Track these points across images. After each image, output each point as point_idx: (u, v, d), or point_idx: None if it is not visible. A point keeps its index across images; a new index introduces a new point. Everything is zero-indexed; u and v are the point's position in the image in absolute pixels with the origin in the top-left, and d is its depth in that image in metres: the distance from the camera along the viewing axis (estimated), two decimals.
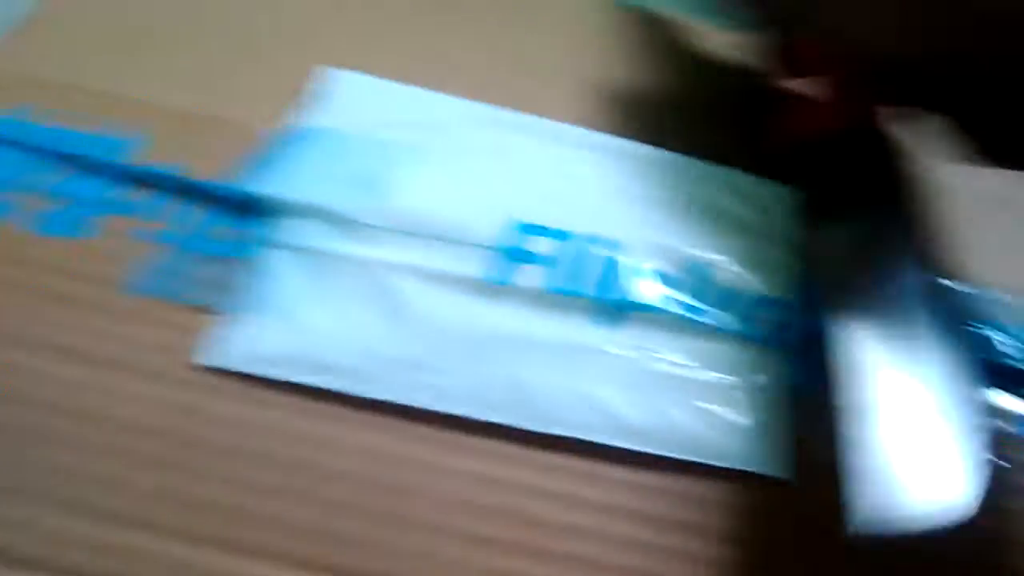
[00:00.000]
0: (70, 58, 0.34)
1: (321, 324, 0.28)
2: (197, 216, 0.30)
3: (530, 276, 0.29)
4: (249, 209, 0.30)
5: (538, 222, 0.30)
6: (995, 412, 0.29)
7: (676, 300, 0.29)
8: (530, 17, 0.39)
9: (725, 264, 0.30)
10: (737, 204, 0.32)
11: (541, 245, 0.30)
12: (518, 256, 0.30)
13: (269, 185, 0.30)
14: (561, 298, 0.29)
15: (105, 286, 0.28)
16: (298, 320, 0.28)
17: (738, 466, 0.27)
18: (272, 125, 0.32)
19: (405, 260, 0.29)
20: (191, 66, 0.35)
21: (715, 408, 0.28)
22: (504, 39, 0.38)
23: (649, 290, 0.29)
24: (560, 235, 0.30)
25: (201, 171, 0.31)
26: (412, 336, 0.28)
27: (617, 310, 0.29)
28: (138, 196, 0.31)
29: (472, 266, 0.29)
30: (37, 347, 0.27)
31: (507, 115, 0.33)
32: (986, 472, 0.23)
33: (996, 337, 0.30)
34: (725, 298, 0.30)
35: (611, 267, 0.30)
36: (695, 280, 0.30)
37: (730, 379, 0.28)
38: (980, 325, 0.31)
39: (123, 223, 0.30)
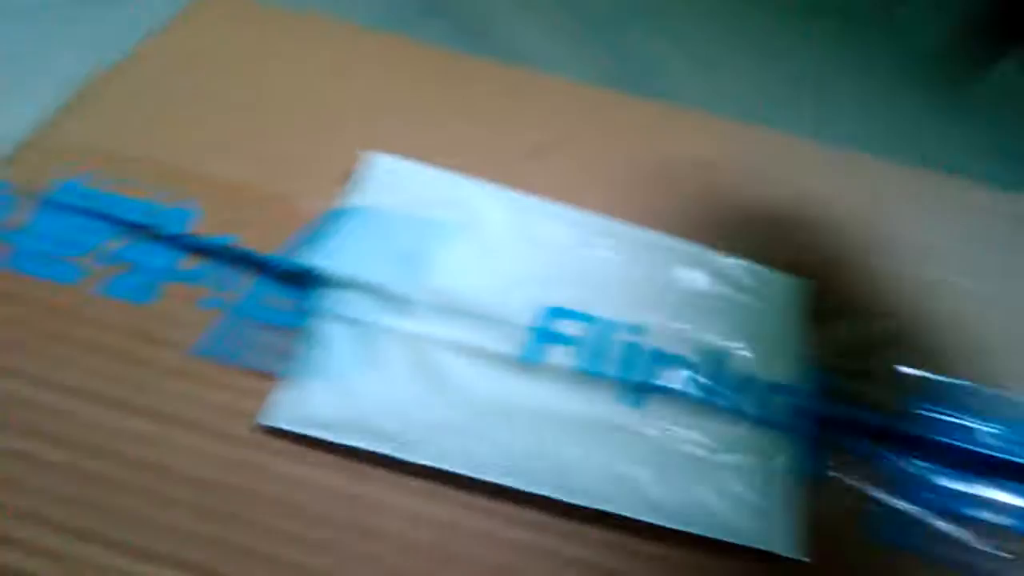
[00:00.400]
0: (128, 128, 0.37)
1: (368, 391, 0.30)
2: (253, 285, 0.32)
3: (559, 356, 0.32)
4: (302, 281, 0.32)
5: (566, 305, 0.33)
6: (984, 504, 0.32)
7: (696, 383, 0.32)
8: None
9: (741, 351, 0.33)
10: (752, 294, 0.35)
11: (569, 327, 0.32)
12: (548, 337, 0.32)
13: (320, 259, 0.33)
14: (587, 377, 0.31)
15: (168, 348, 0.30)
16: (347, 387, 0.30)
17: (754, 544, 0.29)
18: (321, 201, 0.35)
19: (444, 335, 0.32)
20: (245, 140, 0.37)
21: (733, 488, 0.30)
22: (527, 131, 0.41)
23: (670, 373, 0.32)
24: (586, 319, 0.33)
25: (256, 243, 0.33)
26: (450, 406, 0.30)
27: (639, 391, 0.31)
28: (197, 264, 0.33)
29: (506, 344, 0.32)
30: (105, 401, 0.29)
31: (534, 201, 0.36)
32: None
33: (985, 429, 0.33)
34: (742, 384, 0.32)
35: (634, 350, 0.32)
36: (713, 365, 0.32)
37: (747, 461, 0.30)
38: (966, 417, 0.33)
39: (183, 289, 0.32)
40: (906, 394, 0.33)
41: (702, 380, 0.32)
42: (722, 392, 0.32)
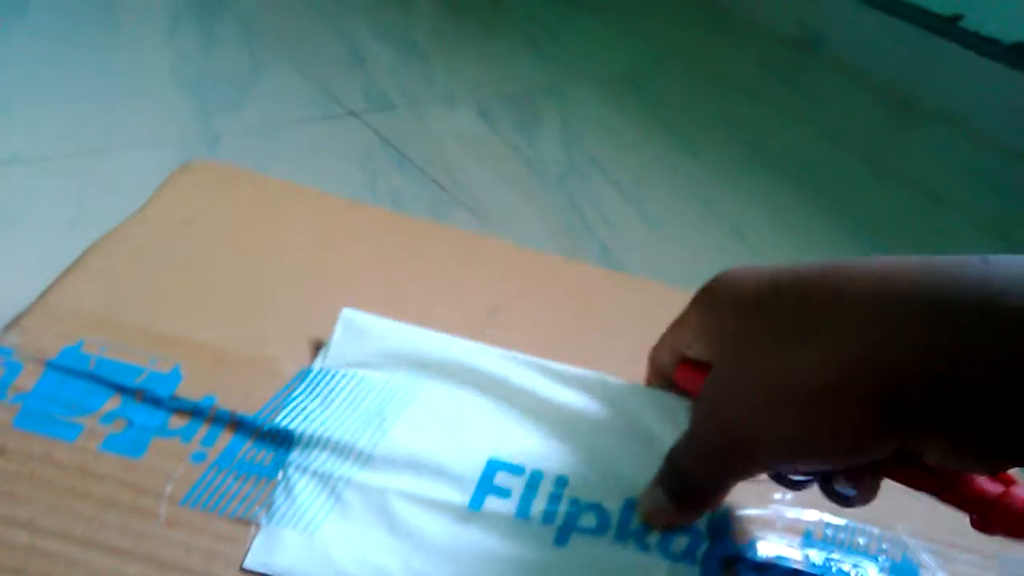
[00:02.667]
0: (120, 296, 0.42)
1: (335, 539, 0.34)
2: (232, 441, 0.36)
3: (496, 505, 0.36)
4: (276, 438, 0.36)
5: (505, 458, 0.38)
6: None
7: (607, 528, 0.36)
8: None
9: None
10: (670, 431, 0.38)
11: (505, 479, 0.37)
12: (488, 489, 0.37)
13: (292, 418, 0.37)
14: (518, 522, 0.36)
15: (160, 499, 0.34)
16: (317, 535, 0.34)
17: None
18: (296, 363, 0.39)
19: (403, 487, 0.36)
20: (226, 307, 0.42)
21: None
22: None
23: (587, 518, 0.36)
24: (518, 470, 0.37)
25: (234, 402, 0.38)
26: (406, 551, 0.35)
27: (560, 536, 0.36)
28: (184, 423, 0.37)
29: (454, 495, 0.36)
30: (99, 547, 0.32)
31: (490, 351, 0.41)
32: None
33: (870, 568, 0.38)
34: (645, 527, 0.36)
35: (555, 501, 0.37)
36: (626, 511, 0.37)
37: None
38: (855, 556, 0.38)
39: (173, 445, 0.36)
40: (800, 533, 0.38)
41: (613, 524, 0.36)
42: (632, 534, 0.36)
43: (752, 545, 0.37)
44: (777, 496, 0.39)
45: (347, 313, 0.41)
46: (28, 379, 0.37)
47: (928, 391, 0.28)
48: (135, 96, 0.94)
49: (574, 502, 0.37)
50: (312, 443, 0.37)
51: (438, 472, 0.37)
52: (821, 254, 0.84)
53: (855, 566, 0.37)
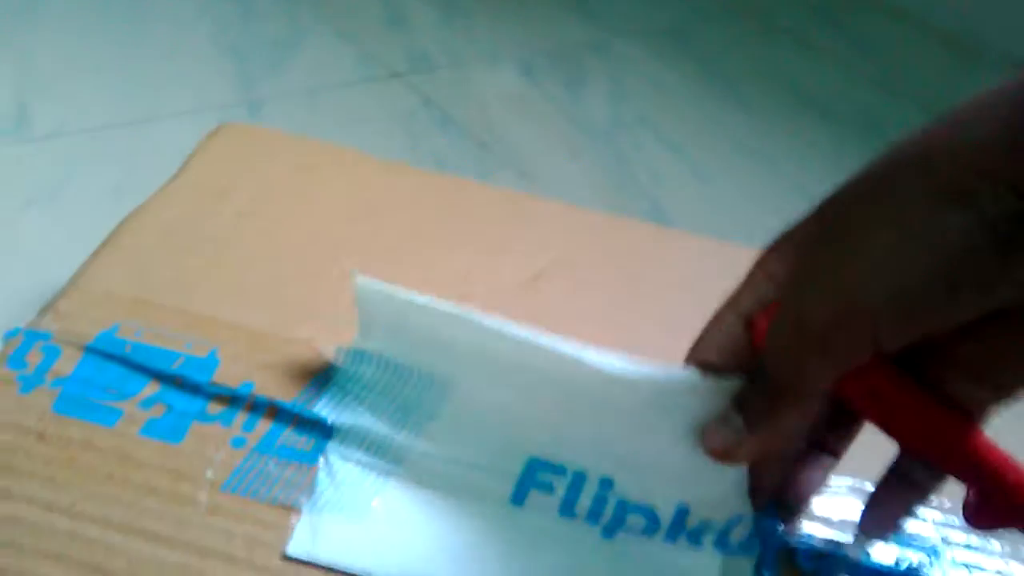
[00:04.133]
0: (154, 276, 0.41)
1: (380, 527, 0.34)
2: (272, 427, 0.36)
3: (540, 499, 0.35)
4: (317, 424, 0.36)
5: (546, 455, 0.36)
6: None
7: (657, 530, 0.35)
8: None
9: (701, 502, 0.35)
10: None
11: (545, 477, 0.36)
12: (530, 484, 0.35)
13: (329, 406, 0.36)
14: (562, 518, 0.35)
15: (200, 484, 0.34)
16: (359, 522, 0.34)
17: None
18: (334, 344, 0.38)
19: (443, 480, 0.35)
20: (262, 286, 0.41)
21: None
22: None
23: (634, 520, 0.35)
24: (560, 471, 0.36)
25: (273, 387, 0.37)
26: (447, 543, 0.34)
27: (606, 532, 0.35)
28: (222, 408, 0.36)
29: (496, 487, 0.35)
30: (139, 534, 0.32)
31: (528, 336, 0.36)
32: None
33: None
34: (701, 528, 0.35)
35: (600, 501, 0.35)
36: (676, 515, 0.35)
37: None
38: None
39: (212, 430, 0.35)
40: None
41: (664, 526, 0.35)
42: (686, 534, 0.35)
43: (809, 535, 0.35)
44: (831, 485, 0.37)
45: (362, 283, 0.37)
46: (67, 364, 0.36)
47: None
48: (176, 64, 0.93)
49: (621, 504, 0.35)
50: (353, 430, 0.36)
51: (479, 467, 0.36)
52: None
53: (905, 557, 0.35)
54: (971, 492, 0.31)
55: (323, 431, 0.36)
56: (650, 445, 0.35)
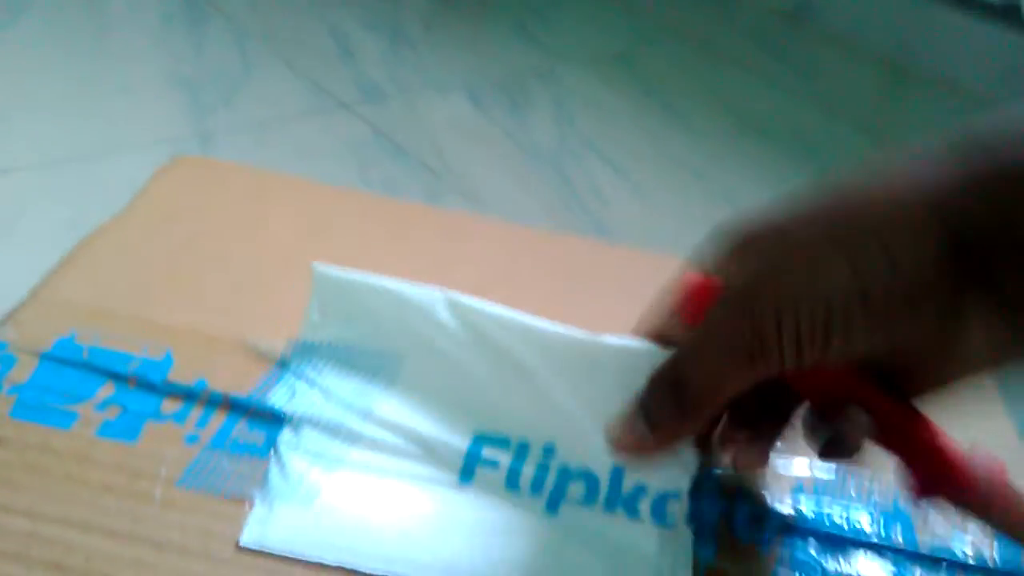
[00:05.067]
0: (112, 286, 0.42)
1: (331, 514, 0.35)
2: (224, 422, 0.37)
3: (486, 475, 0.37)
4: (267, 417, 0.37)
5: (491, 429, 0.38)
6: None
7: (597, 495, 0.37)
8: None
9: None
10: None
11: (491, 452, 0.37)
12: (475, 461, 0.37)
13: (283, 398, 0.38)
14: (508, 493, 0.37)
15: (156, 481, 0.35)
16: (313, 510, 0.35)
17: None
18: (283, 344, 0.40)
19: (392, 462, 0.37)
20: (215, 294, 0.43)
21: None
22: None
23: (575, 487, 0.37)
24: (504, 443, 0.38)
25: (225, 384, 0.38)
26: (397, 527, 0.35)
27: (550, 505, 0.36)
28: (176, 406, 0.37)
29: (444, 468, 0.37)
30: (97, 531, 0.33)
31: (474, 305, 0.39)
32: None
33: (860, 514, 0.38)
34: (636, 492, 0.37)
35: (543, 468, 0.37)
36: (614, 478, 0.37)
37: (645, 559, 0.35)
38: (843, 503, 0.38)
39: (163, 429, 0.37)
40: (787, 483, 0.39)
41: (603, 492, 0.37)
42: (623, 501, 0.37)
43: (743, 501, 0.37)
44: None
45: (319, 269, 0.40)
46: (23, 371, 0.38)
47: (1002, 235, 0.28)
48: (129, 99, 0.95)
49: (563, 470, 0.37)
50: (303, 421, 0.37)
51: (427, 448, 0.37)
52: None
53: (844, 515, 0.38)
54: (913, 481, 0.33)
55: (275, 423, 0.37)
56: (588, 408, 0.37)
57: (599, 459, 0.37)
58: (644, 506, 0.36)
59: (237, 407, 0.38)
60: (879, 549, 0.37)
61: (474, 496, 0.36)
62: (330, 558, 0.34)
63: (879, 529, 0.37)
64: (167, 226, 0.47)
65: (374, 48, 1.13)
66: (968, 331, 0.30)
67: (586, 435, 0.37)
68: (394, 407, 0.38)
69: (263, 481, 0.35)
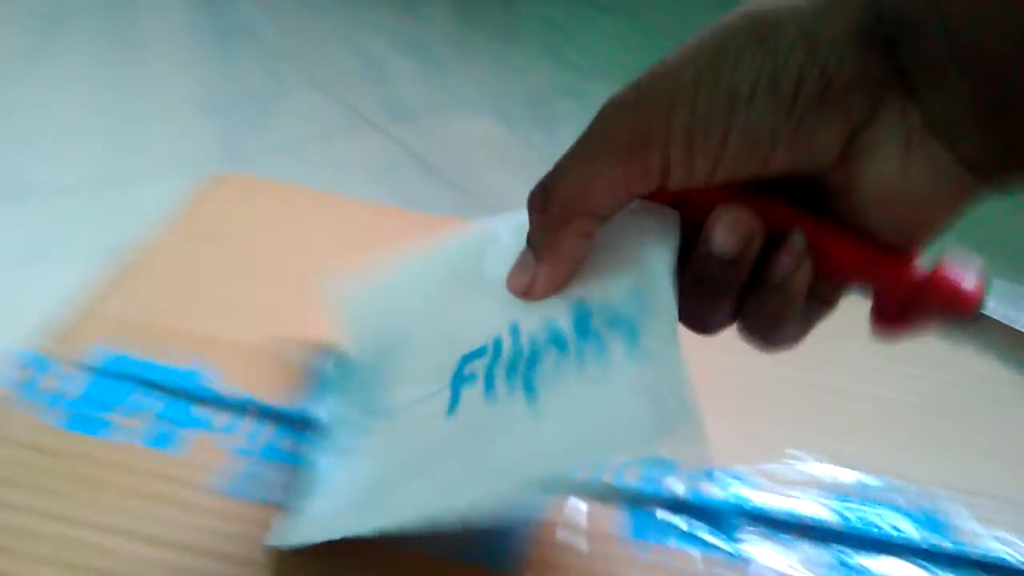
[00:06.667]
0: (157, 300, 0.43)
1: (343, 492, 0.35)
2: (267, 433, 0.38)
3: (468, 397, 0.34)
4: (304, 427, 0.38)
5: (469, 349, 0.35)
6: None
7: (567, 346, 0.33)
8: None
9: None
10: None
11: (471, 367, 0.35)
12: (461, 381, 0.35)
13: (317, 408, 0.39)
14: (487, 398, 0.34)
15: (198, 490, 0.35)
16: (330, 496, 0.35)
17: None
18: (311, 352, 0.41)
19: (395, 428, 0.36)
20: (256, 308, 0.44)
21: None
22: None
23: (547, 356, 0.33)
24: (481, 352, 0.35)
25: (267, 396, 0.39)
26: (401, 482, 0.34)
27: (527, 392, 0.33)
28: (218, 418, 0.38)
29: (434, 408, 0.35)
30: (139, 537, 0.34)
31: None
32: None
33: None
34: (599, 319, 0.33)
35: (516, 355, 0.34)
36: (577, 313, 0.33)
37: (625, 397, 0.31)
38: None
39: (207, 439, 0.37)
40: None
41: (570, 338, 0.33)
42: (590, 334, 0.32)
43: (768, 501, 0.38)
44: (790, 451, 0.39)
45: (330, 290, 0.39)
46: (73, 384, 0.38)
47: (956, 17, 0.24)
48: (162, 121, 0.97)
49: (532, 340, 0.34)
50: (335, 425, 0.38)
51: (422, 397, 0.36)
52: None
53: (877, 518, 0.38)
54: (878, 312, 0.30)
55: (313, 432, 0.38)
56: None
57: (556, 308, 0.33)
58: (607, 330, 0.31)
59: (279, 418, 0.38)
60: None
61: (461, 421, 0.34)
62: (345, 531, 0.33)
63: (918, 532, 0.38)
64: (209, 242, 0.48)
65: (403, 69, 1.14)
66: (889, 147, 0.26)
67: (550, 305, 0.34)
68: (397, 376, 0.37)
69: (302, 488, 0.36)
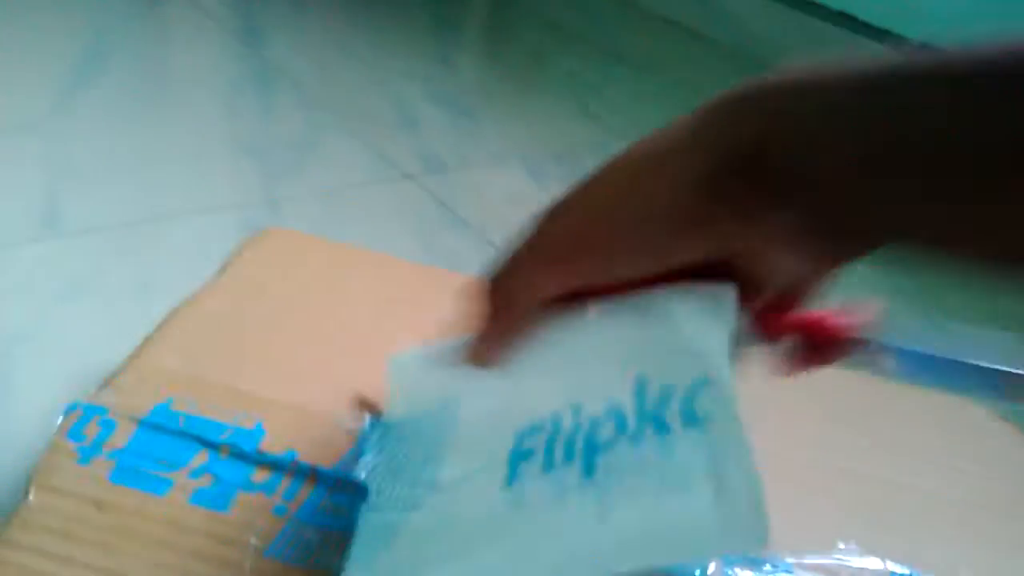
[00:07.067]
0: (205, 355, 0.44)
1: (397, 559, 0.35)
2: (312, 495, 0.38)
3: (526, 471, 0.34)
4: (353, 490, 0.38)
5: (527, 424, 0.36)
6: None
7: (627, 426, 0.33)
8: None
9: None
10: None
11: (530, 442, 0.35)
12: (517, 460, 0.35)
13: (366, 471, 0.39)
14: (546, 477, 0.34)
15: (245, 550, 0.36)
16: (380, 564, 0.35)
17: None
18: (367, 417, 0.42)
19: (450, 501, 0.36)
20: (303, 366, 0.44)
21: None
22: None
23: (605, 435, 0.33)
24: (539, 428, 0.35)
25: (313, 457, 0.39)
26: (454, 548, 0.34)
27: (586, 474, 0.33)
28: (267, 477, 0.39)
29: (490, 481, 0.35)
30: None
31: None
32: None
33: None
34: (661, 400, 0.33)
35: (575, 430, 0.34)
36: (637, 388, 0.34)
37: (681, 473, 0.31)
38: None
39: (253, 499, 0.38)
40: None
41: (630, 419, 0.33)
42: (649, 417, 0.33)
43: None
44: (841, 545, 0.40)
45: (394, 360, 0.40)
46: (122, 436, 0.39)
47: (796, 147, 0.29)
48: (198, 162, 0.98)
49: (593, 420, 0.34)
50: (382, 492, 0.38)
51: (480, 469, 0.36)
52: None
53: None
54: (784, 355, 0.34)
55: (360, 496, 0.38)
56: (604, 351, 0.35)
57: (617, 382, 0.34)
58: (671, 413, 0.32)
59: (324, 479, 0.39)
60: None
61: (518, 493, 0.34)
62: None
63: None
64: (256, 297, 0.49)
65: (435, 119, 1.16)
66: (757, 244, 0.31)
67: (605, 371, 0.35)
68: (451, 450, 0.37)
69: (347, 553, 0.36)
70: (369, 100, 1.17)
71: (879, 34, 1.36)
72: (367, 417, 0.42)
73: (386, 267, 0.54)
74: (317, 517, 0.38)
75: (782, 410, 0.44)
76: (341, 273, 0.53)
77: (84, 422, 0.39)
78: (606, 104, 1.31)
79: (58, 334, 0.69)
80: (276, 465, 0.39)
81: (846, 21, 1.41)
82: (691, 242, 0.31)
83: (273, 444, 0.40)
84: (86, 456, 0.38)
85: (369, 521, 0.37)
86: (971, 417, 0.50)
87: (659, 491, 0.31)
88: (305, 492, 0.38)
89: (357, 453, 0.40)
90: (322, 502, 0.38)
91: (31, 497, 0.37)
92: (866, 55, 0.29)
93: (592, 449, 0.33)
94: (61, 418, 0.39)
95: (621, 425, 0.33)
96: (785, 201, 0.29)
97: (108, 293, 0.76)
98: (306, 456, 0.40)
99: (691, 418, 0.31)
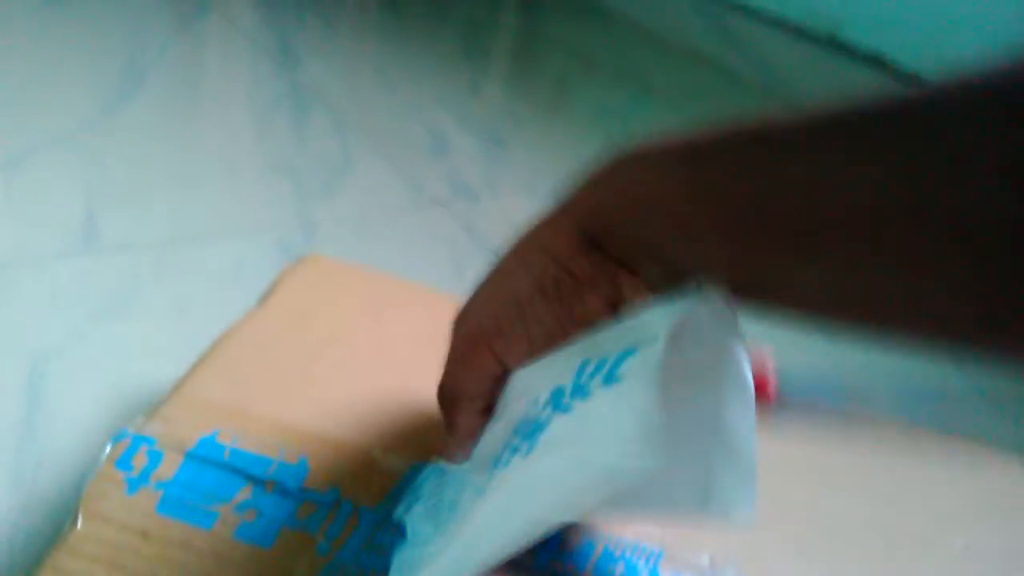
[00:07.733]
0: (248, 387, 0.44)
1: None
2: (352, 533, 0.39)
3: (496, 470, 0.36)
4: (394, 531, 0.39)
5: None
6: None
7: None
8: None
9: None
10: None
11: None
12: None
13: (407, 512, 0.39)
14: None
15: None
16: None
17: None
18: (410, 456, 0.42)
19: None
20: (345, 400, 0.45)
21: None
22: None
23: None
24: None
25: (355, 495, 0.40)
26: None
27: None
28: (310, 514, 0.39)
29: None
30: None
31: None
32: None
33: None
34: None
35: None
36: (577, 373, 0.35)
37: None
38: None
39: (296, 536, 0.38)
40: None
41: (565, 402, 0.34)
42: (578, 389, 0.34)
43: None
44: None
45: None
46: (169, 467, 0.40)
47: (635, 216, 0.32)
48: (234, 183, 0.99)
49: (542, 408, 0.35)
50: (423, 535, 0.39)
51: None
52: None
53: None
54: None
55: (400, 537, 0.39)
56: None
57: (566, 373, 0.35)
58: (596, 382, 0.33)
59: (365, 518, 0.39)
60: None
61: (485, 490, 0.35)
62: None
63: None
64: (297, 327, 0.49)
65: (466, 146, 1.17)
66: (644, 294, 0.33)
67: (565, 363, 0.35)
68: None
69: None
70: (400, 124, 1.18)
71: (907, 78, 1.37)
72: (408, 458, 0.42)
73: (425, 300, 0.54)
74: (358, 556, 0.38)
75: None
76: (381, 304, 0.53)
77: (132, 452, 0.40)
78: (632, 134, 1.32)
79: (91, 351, 0.70)
80: (319, 503, 0.39)
81: (875, 63, 1.42)
82: (584, 304, 0.33)
83: (316, 480, 0.40)
84: (133, 486, 0.39)
85: (402, 558, 0.38)
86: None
87: (572, 446, 0.32)
88: (347, 532, 0.39)
89: (398, 493, 0.40)
90: (363, 543, 0.38)
91: (79, 525, 0.37)
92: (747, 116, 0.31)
93: (535, 431, 0.35)
94: (110, 446, 0.40)
95: (558, 404, 0.34)
96: (635, 264, 0.32)
97: (143, 312, 0.76)
98: (348, 494, 0.40)
99: (609, 379, 0.33)
